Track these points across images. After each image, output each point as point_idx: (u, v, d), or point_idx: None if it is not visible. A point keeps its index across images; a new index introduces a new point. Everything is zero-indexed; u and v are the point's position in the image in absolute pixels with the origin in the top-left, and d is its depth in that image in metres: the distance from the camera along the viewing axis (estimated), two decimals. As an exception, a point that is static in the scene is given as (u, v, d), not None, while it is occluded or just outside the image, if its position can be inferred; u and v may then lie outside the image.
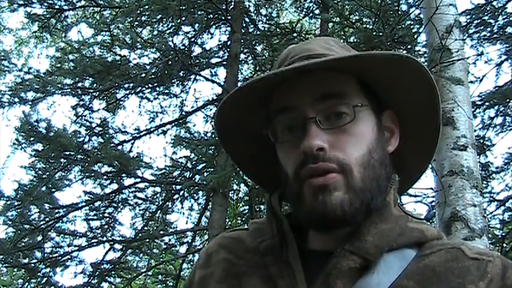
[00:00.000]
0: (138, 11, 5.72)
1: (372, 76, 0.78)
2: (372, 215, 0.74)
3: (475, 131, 5.10)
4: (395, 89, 0.80)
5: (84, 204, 5.79)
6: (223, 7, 6.06)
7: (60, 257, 5.70)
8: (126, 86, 6.21)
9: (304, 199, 0.73)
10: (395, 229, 0.74)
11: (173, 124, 6.58)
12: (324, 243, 0.77)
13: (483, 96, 5.42)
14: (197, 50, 6.53)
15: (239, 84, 5.96)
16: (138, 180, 5.89)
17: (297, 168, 0.73)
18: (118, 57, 6.03)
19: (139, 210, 6.29)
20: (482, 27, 5.43)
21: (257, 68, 6.47)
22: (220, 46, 6.57)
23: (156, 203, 6.28)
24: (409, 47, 4.48)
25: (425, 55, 4.11)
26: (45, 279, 5.65)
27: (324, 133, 0.73)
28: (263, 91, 0.78)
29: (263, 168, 0.87)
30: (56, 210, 5.71)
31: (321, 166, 0.71)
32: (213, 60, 6.56)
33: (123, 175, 5.74)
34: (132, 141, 6.24)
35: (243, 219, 7.09)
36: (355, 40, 5.02)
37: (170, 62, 5.87)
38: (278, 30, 6.34)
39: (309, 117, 0.73)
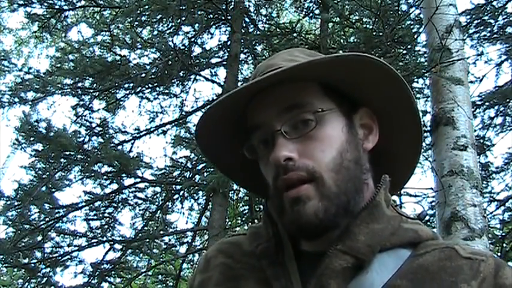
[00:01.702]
0: (138, 11, 5.72)
1: (334, 79, 0.78)
2: (362, 215, 0.75)
3: (475, 131, 5.11)
4: (362, 88, 0.80)
5: (84, 204, 5.79)
6: (223, 7, 6.06)
7: (60, 257, 5.70)
8: (126, 86, 6.21)
9: (284, 211, 0.75)
10: (387, 229, 0.75)
11: (173, 124, 6.58)
12: (317, 244, 0.77)
13: (483, 96, 5.42)
14: (197, 50, 6.54)
15: (239, 84, 5.98)
16: (138, 180, 5.89)
17: (273, 180, 0.76)
18: (118, 57, 6.03)
19: (139, 210, 6.29)
20: (482, 27, 5.43)
21: (257, 68, 6.45)
22: (220, 46, 6.57)
23: (156, 203, 6.28)
24: (409, 47, 4.48)
25: (425, 55, 4.11)
26: (45, 279, 5.64)
27: (292, 143, 0.74)
28: (233, 111, 0.81)
29: (255, 178, 0.88)
30: (56, 210, 5.71)
31: (291, 176, 0.73)
32: (213, 60, 6.56)
33: (123, 175, 5.74)
34: (132, 141, 6.24)
35: (243, 219, 7.09)
36: (355, 40, 5.02)
37: (170, 62, 5.87)
38: (278, 30, 6.33)
39: (276, 129, 0.75)
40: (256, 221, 5.92)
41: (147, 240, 5.92)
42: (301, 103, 0.76)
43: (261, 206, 6.24)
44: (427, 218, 5.08)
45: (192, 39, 6.32)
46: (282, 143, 0.74)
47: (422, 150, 0.89)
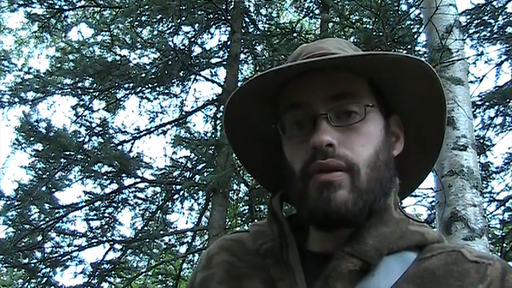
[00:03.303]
0: (138, 11, 5.72)
1: (383, 78, 0.78)
2: (373, 218, 0.74)
3: (475, 131, 5.10)
4: (403, 93, 0.80)
5: (84, 204, 5.80)
6: (223, 7, 6.06)
7: (60, 257, 5.70)
8: (126, 86, 6.22)
9: (309, 195, 0.73)
10: (395, 232, 0.74)
11: (173, 124, 6.58)
12: (324, 245, 0.77)
13: (483, 96, 5.42)
14: (197, 50, 6.55)
15: (239, 84, 5.98)
16: (138, 180, 5.90)
17: (306, 163, 0.73)
18: (118, 57, 6.03)
19: (139, 210, 6.29)
20: (482, 27, 5.43)
21: (257, 68, 6.47)
22: (220, 46, 6.57)
23: (156, 203, 6.28)
24: (409, 47, 4.47)
25: (425, 55, 4.11)
26: (45, 279, 5.65)
27: (334, 130, 0.73)
28: (272, 87, 0.79)
29: (267, 168, 0.87)
30: (56, 210, 5.71)
31: (329, 162, 0.72)
32: (213, 60, 6.56)
33: (123, 175, 5.75)
34: (132, 141, 6.24)
35: (243, 219, 7.09)
36: (355, 40, 5.02)
37: (170, 62, 5.87)
38: (278, 30, 6.34)
39: (320, 113, 0.74)
40: (256, 220, 5.92)
41: (147, 240, 5.92)
42: (351, 93, 0.76)
43: (261, 206, 6.24)
44: (427, 217, 5.08)
45: (192, 39, 6.32)
46: (325, 127, 0.73)
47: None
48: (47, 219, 5.62)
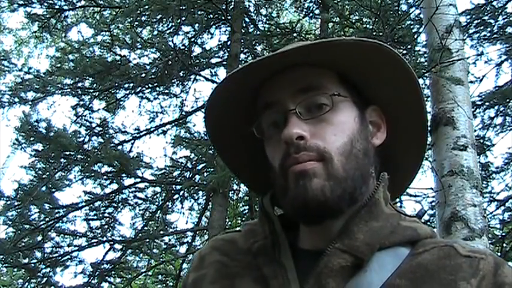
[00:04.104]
0: (138, 11, 5.72)
1: (352, 70, 0.79)
2: (361, 213, 0.74)
3: (475, 131, 5.10)
4: (375, 82, 0.81)
5: (84, 204, 5.79)
6: (223, 7, 6.06)
7: (60, 257, 5.70)
8: (126, 86, 6.21)
9: (289, 188, 0.74)
10: (386, 227, 0.74)
11: (173, 124, 6.58)
12: (315, 242, 0.77)
13: (483, 96, 5.42)
14: (197, 50, 6.54)
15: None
16: (138, 180, 5.89)
17: (282, 159, 0.75)
18: (118, 57, 6.03)
19: (139, 210, 6.28)
20: (482, 27, 5.43)
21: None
22: (220, 46, 6.57)
23: (156, 203, 6.28)
24: (409, 47, 4.48)
25: (425, 55, 4.11)
26: (45, 279, 5.65)
27: (305, 123, 0.74)
28: (247, 90, 0.80)
29: (254, 170, 0.87)
30: (56, 210, 5.70)
31: (302, 156, 0.73)
32: (213, 60, 6.56)
33: (123, 175, 5.74)
34: (132, 141, 6.24)
35: (243, 219, 7.09)
36: (355, 40, 5.02)
37: (170, 62, 5.86)
38: (278, 30, 6.34)
39: (289, 109, 0.75)
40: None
41: (147, 240, 5.92)
42: (317, 86, 0.77)
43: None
44: (427, 218, 5.09)
45: (192, 39, 6.31)
46: (295, 121, 0.74)
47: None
48: (47, 219, 5.61)
